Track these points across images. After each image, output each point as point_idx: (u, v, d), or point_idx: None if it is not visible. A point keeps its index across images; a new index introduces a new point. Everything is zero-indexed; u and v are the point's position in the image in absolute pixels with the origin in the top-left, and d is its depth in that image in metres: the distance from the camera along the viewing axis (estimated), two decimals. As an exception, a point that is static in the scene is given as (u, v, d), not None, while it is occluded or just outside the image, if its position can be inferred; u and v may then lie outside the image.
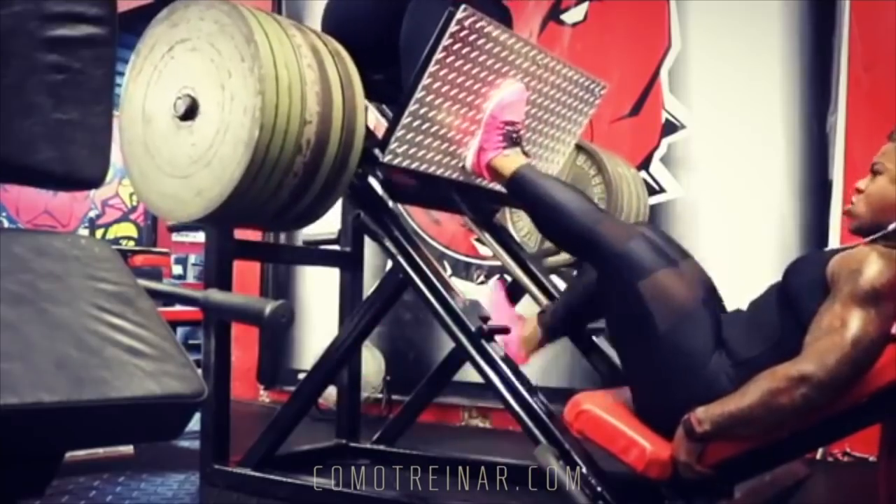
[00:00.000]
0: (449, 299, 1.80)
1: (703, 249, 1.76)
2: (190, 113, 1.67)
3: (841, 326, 1.31)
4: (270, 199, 1.68)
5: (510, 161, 1.85)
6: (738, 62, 3.17)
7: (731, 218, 3.16)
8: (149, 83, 1.75)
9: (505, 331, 1.86)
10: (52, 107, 0.95)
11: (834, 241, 2.95)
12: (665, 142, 3.32)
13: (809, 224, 3.03)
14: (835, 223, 2.96)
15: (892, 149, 1.47)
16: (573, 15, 3.53)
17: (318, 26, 1.99)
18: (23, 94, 0.94)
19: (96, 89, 0.99)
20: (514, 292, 2.24)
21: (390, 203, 1.90)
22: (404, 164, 1.86)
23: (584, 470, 1.58)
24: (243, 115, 1.60)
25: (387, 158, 1.82)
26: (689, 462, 1.43)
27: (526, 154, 1.93)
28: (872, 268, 1.33)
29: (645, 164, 3.32)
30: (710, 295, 1.59)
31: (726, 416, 1.38)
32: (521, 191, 1.81)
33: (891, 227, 1.43)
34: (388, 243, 1.89)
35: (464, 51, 1.83)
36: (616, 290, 1.58)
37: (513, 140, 1.89)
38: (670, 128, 3.32)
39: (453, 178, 1.98)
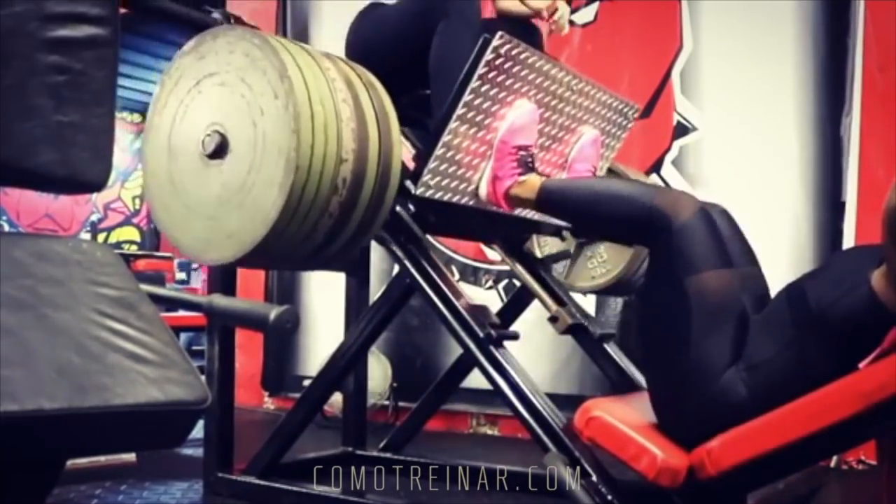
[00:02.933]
0: (457, 304, 1.78)
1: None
2: (219, 151, 1.58)
3: None
4: (305, 240, 1.60)
5: (530, 185, 1.80)
6: (750, 63, 3.14)
7: (745, 220, 3.11)
8: (174, 118, 1.65)
9: (514, 336, 1.84)
10: (52, 108, 0.94)
11: (848, 245, 2.91)
12: (676, 144, 3.30)
13: (823, 226, 3.00)
14: (849, 225, 2.93)
15: None
16: (583, 15, 3.50)
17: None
18: (23, 95, 0.93)
19: (98, 91, 0.98)
20: (523, 298, 2.22)
21: (397, 207, 1.87)
22: (437, 195, 1.81)
23: (594, 478, 1.56)
24: (278, 156, 1.51)
25: (419, 191, 1.77)
26: None
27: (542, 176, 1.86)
28: None
29: (656, 167, 3.30)
30: (755, 304, 1.53)
31: None
32: (558, 202, 1.75)
33: None
34: (395, 247, 1.87)
35: (499, 79, 1.77)
36: (664, 276, 1.51)
37: (527, 165, 1.83)
38: (682, 130, 3.29)
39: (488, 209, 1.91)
